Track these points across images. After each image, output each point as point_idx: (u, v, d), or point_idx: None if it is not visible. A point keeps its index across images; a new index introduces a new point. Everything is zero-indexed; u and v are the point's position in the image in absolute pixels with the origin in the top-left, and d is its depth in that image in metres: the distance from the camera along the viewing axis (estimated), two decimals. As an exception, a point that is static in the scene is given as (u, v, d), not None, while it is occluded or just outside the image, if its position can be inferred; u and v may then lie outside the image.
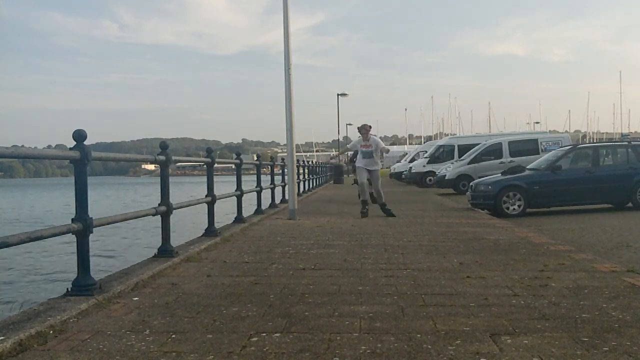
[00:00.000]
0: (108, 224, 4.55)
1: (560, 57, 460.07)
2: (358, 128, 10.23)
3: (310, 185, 20.64)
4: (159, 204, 5.38)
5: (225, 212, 10.66)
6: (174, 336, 2.93)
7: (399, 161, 35.77)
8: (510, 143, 18.58)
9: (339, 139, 49.00)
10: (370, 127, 10.26)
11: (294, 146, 9.93)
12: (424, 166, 23.88)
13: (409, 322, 3.12)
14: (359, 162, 10.23)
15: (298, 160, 15.33)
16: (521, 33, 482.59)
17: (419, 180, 23.72)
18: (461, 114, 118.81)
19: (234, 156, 9.20)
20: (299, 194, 13.85)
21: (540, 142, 18.54)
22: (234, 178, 9.12)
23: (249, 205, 10.87)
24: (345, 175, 30.88)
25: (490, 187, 11.23)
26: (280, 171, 13.58)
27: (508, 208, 10.90)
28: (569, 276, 4.31)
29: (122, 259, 11.17)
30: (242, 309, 3.47)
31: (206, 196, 7.05)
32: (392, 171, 33.80)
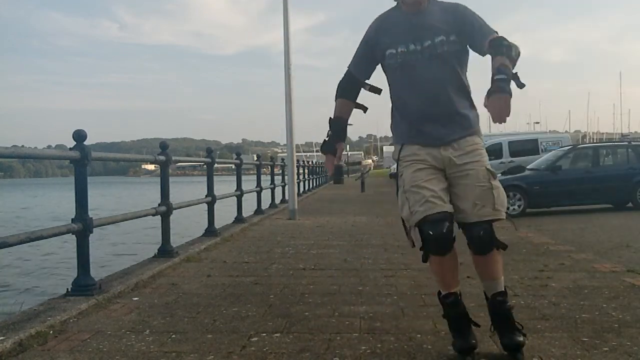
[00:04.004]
0: (108, 224, 4.56)
1: (560, 57, 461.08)
2: None
3: (310, 185, 20.65)
4: (159, 204, 5.39)
5: (225, 212, 10.65)
6: (174, 336, 2.93)
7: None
8: (510, 143, 18.54)
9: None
10: None
11: (294, 146, 9.94)
12: None
13: (409, 322, 3.12)
14: None
15: (298, 160, 15.32)
16: (521, 33, 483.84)
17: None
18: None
19: (234, 156, 9.21)
20: (299, 194, 13.84)
21: (540, 142, 18.51)
22: (234, 178, 9.13)
23: (249, 206, 10.85)
24: (345, 176, 30.87)
25: None
26: (280, 171, 13.58)
27: (508, 208, 10.87)
28: (569, 276, 4.31)
29: (122, 259, 11.16)
30: (242, 309, 3.47)
31: (206, 196, 7.06)
32: (391, 171, 33.80)
